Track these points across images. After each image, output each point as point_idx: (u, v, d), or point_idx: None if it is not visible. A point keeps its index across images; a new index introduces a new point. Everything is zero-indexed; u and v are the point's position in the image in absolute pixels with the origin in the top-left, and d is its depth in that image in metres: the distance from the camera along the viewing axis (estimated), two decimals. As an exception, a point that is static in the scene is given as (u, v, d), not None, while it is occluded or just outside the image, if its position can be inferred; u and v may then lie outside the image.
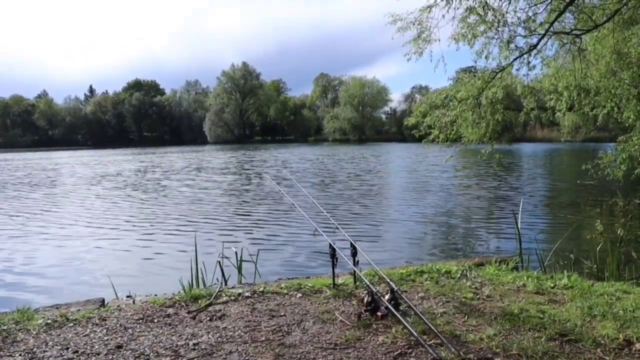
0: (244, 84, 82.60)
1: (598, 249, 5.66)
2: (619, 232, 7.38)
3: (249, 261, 5.82)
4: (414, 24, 8.10)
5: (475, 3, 7.66)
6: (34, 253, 7.87)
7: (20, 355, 2.83)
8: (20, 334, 3.17)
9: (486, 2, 7.64)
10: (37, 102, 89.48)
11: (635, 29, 8.66)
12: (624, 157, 10.00)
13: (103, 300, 3.95)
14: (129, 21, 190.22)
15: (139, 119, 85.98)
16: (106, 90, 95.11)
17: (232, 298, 3.81)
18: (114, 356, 2.80)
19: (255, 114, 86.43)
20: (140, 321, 3.36)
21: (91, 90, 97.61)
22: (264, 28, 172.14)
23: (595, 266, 5.41)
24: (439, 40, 8.08)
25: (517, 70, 8.59)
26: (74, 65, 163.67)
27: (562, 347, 2.77)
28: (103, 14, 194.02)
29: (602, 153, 11.21)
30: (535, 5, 7.80)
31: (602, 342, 2.82)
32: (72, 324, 3.32)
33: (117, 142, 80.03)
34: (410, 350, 2.74)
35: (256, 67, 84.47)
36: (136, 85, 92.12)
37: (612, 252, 5.30)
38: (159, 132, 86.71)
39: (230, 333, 3.10)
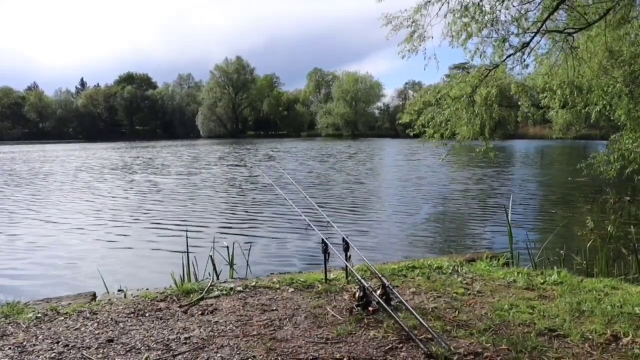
0: (237, 78, 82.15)
1: (588, 245, 5.72)
2: (609, 229, 7.46)
3: (241, 256, 5.82)
4: (408, 21, 8.11)
5: (469, 1, 7.67)
6: (24, 247, 7.81)
7: (10, 349, 2.81)
8: (10, 327, 3.15)
9: (480, 1, 7.65)
10: (27, 94, 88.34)
11: (627, 27, 8.72)
12: (616, 156, 10.12)
13: (94, 295, 3.94)
14: (116, 14, 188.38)
15: (131, 112, 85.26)
16: (98, 84, 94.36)
17: (224, 293, 3.81)
18: (105, 350, 2.79)
19: (248, 109, 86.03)
20: (132, 315, 3.36)
21: (83, 83, 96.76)
22: (253, 23, 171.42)
23: (585, 263, 5.46)
24: (432, 38, 8.11)
25: (511, 69, 8.64)
26: (63, 59, 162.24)
27: (551, 342, 2.80)
28: (90, 6, 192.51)
29: (595, 153, 11.33)
30: (528, 3, 7.83)
31: (591, 337, 2.86)
32: (63, 318, 3.30)
33: (109, 135, 79.34)
34: (401, 345, 2.76)
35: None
36: (128, 79, 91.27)
37: (602, 249, 5.36)
38: (152, 126, 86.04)
39: (222, 327, 3.10)
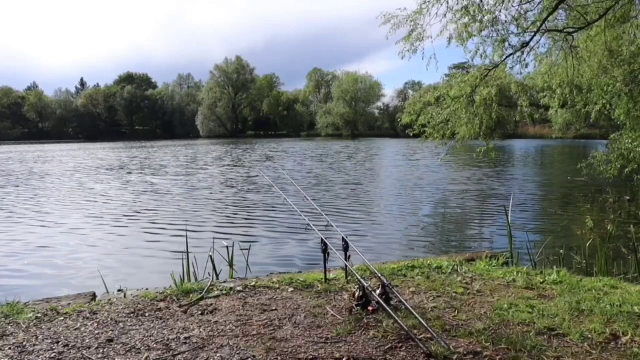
0: (237, 78, 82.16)
1: (588, 245, 5.72)
2: (608, 228, 7.46)
3: (240, 256, 5.82)
4: (407, 21, 8.11)
5: (469, 2, 7.68)
6: (24, 247, 7.81)
7: (10, 349, 2.82)
8: (10, 327, 3.15)
9: (480, 0, 7.66)
10: (26, 94, 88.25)
11: (627, 27, 8.73)
12: (616, 156, 10.14)
13: (94, 294, 3.94)
14: (115, 14, 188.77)
15: (130, 112, 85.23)
16: (97, 83, 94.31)
17: (224, 292, 3.81)
18: (105, 350, 2.79)
19: (248, 109, 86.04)
20: (132, 315, 3.36)
21: (82, 83, 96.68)
22: (253, 23, 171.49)
23: (584, 262, 5.47)
24: (432, 37, 8.11)
25: (511, 68, 8.65)
26: (63, 58, 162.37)
27: (550, 341, 2.81)
28: (89, 5, 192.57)
29: (595, 152, 11.34)
30: (528, 2, 7.83)
31: (590, 336, 2.86)
32: (62, 318, 3.30)
33: (109, 135, 79.36)
34: (400, 344, 2.76)
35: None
36: (128, 79, 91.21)
37: (601, 248, 5.36)
38: (151, 126, 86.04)
39: (222, 327, 3.10)
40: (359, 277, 3.44)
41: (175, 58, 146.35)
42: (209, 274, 5.01)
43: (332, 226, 4.24)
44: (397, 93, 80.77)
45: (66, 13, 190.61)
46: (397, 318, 2.92)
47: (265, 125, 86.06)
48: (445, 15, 7.81)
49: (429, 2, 7.82)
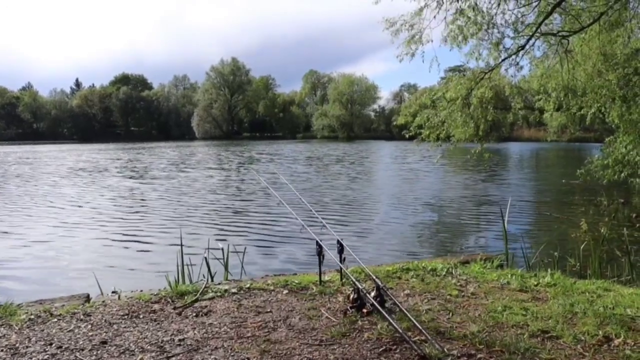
0: (232, 79, 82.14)
1: (582, 247, 5.75)
2: (602, 231, 7.49)
3: (235, 258, 5.81)
4: (405, 25, 8.17)
5: (465, 5, 7.73)
6: (17, 248, 7.76)
7: (2, 350, 2.80)
8: (2, 329, 3.13)
9: (475, 4, 7.71)
10: (21, 94, 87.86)
11: (620, 30, 8.79)
12: (612, 160, 10.22)
13: (88, 296, 3.92)
14: (111, 14, 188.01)
15: (126, 113, 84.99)
16: (93, 84, 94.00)
17: (218, 294, 3.80)
18: (99, 352, 2.78)
19: (243, 110, 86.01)
20: (126, 317, 3.34)
21: (77, 83, 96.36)
22: (249, 24, 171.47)
23: (578, 264, 5.50)
24: (432, 41, 8.17)
25: (506, 70, 8.71)
26: (58, 58, 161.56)
27: (543, 343, 2.82)
28: (85, 5, 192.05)
29: (591, 157, 11.42)
30: (524, 6, 7.89)
31: (583, 338, 2.88)
32: (56, 320, 3.29)
33: (104, 136, 79.02)
34: (395, 346, 2.76)
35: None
36: (123, 79, 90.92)
37: (594, 251, 5.39)
38: (147, 127, 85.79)
39: (216, 329, 3.10)
40: (354, 280, 3.44)
41: (172, 59, 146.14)
42: (203, 275, 5.00)
43: (327, 228, 4.24)
44: (393, 95, 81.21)
45: (62, 12, 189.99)
46: (391, 320, 2.92)
47: (261, 127, 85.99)
48: (445, 18, 7.88)
49: (426, 6, 7.88)
